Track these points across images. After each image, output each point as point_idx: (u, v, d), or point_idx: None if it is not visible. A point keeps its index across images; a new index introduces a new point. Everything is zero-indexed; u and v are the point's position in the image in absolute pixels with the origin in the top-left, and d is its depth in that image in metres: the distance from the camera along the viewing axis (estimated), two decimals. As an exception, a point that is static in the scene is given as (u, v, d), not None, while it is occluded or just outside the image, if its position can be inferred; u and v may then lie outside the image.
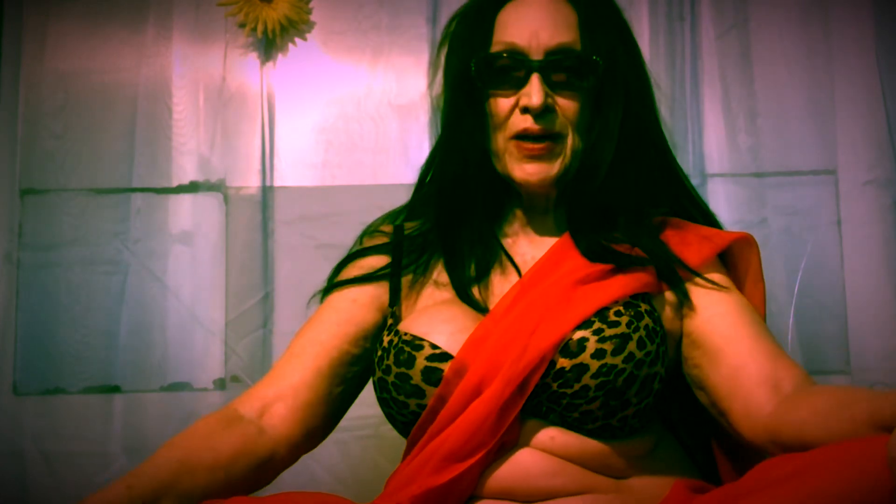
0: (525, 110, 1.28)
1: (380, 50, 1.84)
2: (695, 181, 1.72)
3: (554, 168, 1.31)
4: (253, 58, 1.84)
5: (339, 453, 1.72)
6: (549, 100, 1.29)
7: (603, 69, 1.30)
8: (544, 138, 1.29)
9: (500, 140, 1.31)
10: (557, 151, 1.30)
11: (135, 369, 1.77)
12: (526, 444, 1.22)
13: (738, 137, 1.79)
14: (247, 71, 1.84)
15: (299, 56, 1.84)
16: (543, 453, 1.21)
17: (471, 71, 1.31)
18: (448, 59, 1.37)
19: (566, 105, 1.30)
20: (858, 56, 1.78)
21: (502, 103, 1.31)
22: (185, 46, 1.84)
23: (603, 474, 1.22)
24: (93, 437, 1.75)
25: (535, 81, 1.28)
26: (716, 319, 1.27)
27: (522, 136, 1.29)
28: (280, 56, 1.84)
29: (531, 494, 1.20)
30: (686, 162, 1.75)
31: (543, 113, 1.28)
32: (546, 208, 1.37)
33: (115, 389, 1.76)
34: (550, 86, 1.29)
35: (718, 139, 1.79)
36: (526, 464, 1.21)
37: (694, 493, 1.17)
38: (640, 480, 1.23)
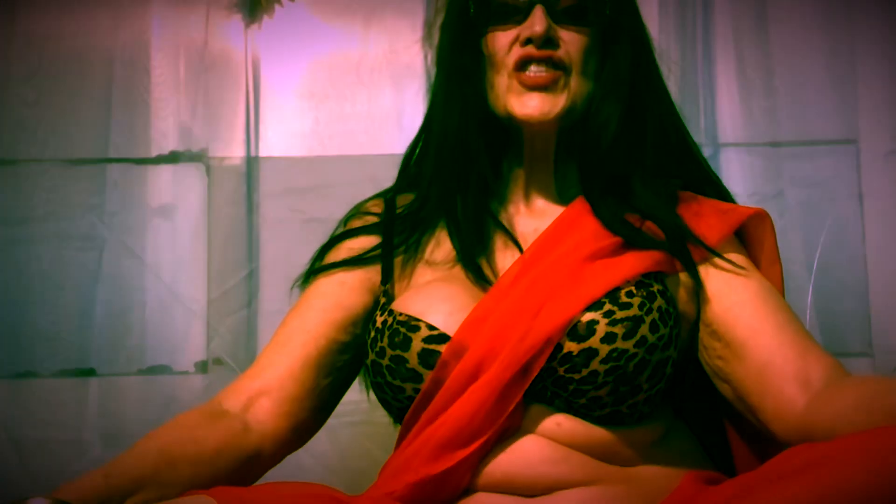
0: (527, 42, 1.25)
1: (373, 11, 1.81)
2: (707, 151, 1.71)
3: (558, 103, 1.27)
4: (237, 20, 1.81)
5: (328, 440, 1.69)
6: (553, 32, 1.26)
7: (610, 7, 1.28)
8: (548, 64, 1.26)
9: (500, 78, 1.28)
10: (562, 84, 1.27)
11: (111, 352, 1.74)
12: (529, 430, 1.19)
13: (753, 104, 1.76)
14: (230, 34, 1.81)
15: (286, 18, 1.81)
16: (547, 440, 1.18)
17: (469, 10, 1.29)
18: (446, 5, 1.36)
19: (572, 40, 1.27)
20: (881, 17, 1.75)
21: (502, 38, 1.28)
22: (164, 8, 1.80)
23: (611, 463, 1.19)
24: (67, 424, 1.72)
25: (538, 11, 1.25)
26: (737, 309, 1.24)
27: (524, 62, 1.26)
28: (266, 18, 1.81)
29: (533, 484, 1.17)
30: (698, 130, 1.74)
31: (546, 44, 1.25)
32: (547, 167, 1.33)
33: (91, 373, 1.74)
34: (555, 19, 1.27)
35: (732, 106, 1.77)
36: (527, 451, 1.18)
37: (706, 484, 1.14)
38: (650, 469, 1.20)
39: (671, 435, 1.24)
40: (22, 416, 1.72)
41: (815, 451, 0.94)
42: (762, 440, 1.26)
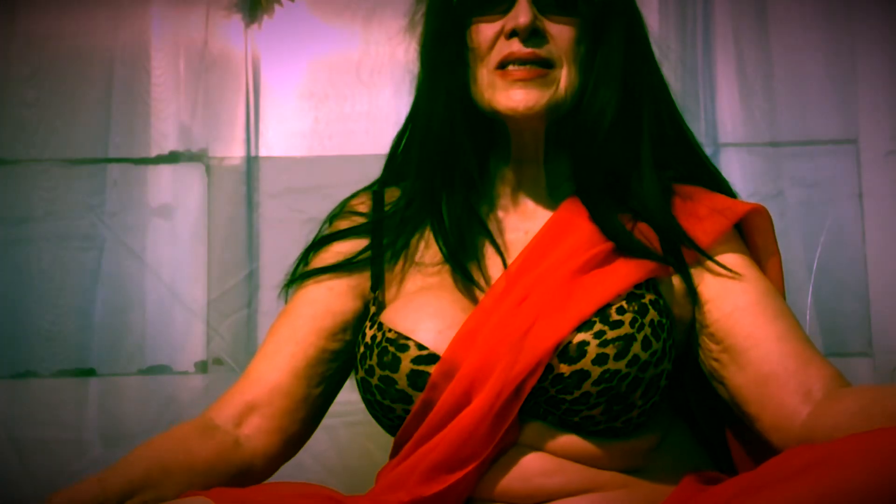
0: (512, 34, 1.20)
1: (373, 11, 1.79)
2: (707, 151, 1.66)
3: (544, 96, 1.21)
4: (237, 19, 1.79)
5: (328, 440, 1.68)
6: (539, 23, 1.21)
7: None
8: (532, 63, 1.21)
9: (484, 72, 1.23)
10: (549, 79, 1.22)
11: (111, 351, 1.73)
12: (524, 444, 1.17)
13: (753, 104, 1.75)
14: (230, 33, 1.80)
15: (286, 18, 1.80)
16: (541, 453, 1.17)
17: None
18: None
19: (559, 32, 1.22)
20: (881, 17, 1.74)
21: (486, 30, 1.23)
22: (164, 8, 1.79)
23: (608, 470, 1.18)
24: (66, 424, 1.71)
25: (522, 2, 1.20)
26: (737, 315, 1.21)
27: (508, 61, 1.21)
28: (266, 18, 1.80)
29: (530, 495, 1.16)
30: (698, 130, 1.69)
31: (532, 36, 1.20)
32: (536, 163, 1.29)
33: (91, 373, 1.73)
34: (541, 10, 1.21)
35: (732, 106, 1.75)
36: (522, 464, 1.17)
37: (706, 484, 1.14)
38: (649, 473, 1.19)
39: (669, 437, 1.23)
40: (21, 417, 1.71)
41: (815, 452, 0.93)
42: (762, 440, 1.23)
